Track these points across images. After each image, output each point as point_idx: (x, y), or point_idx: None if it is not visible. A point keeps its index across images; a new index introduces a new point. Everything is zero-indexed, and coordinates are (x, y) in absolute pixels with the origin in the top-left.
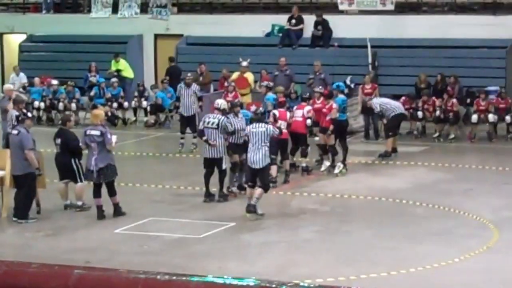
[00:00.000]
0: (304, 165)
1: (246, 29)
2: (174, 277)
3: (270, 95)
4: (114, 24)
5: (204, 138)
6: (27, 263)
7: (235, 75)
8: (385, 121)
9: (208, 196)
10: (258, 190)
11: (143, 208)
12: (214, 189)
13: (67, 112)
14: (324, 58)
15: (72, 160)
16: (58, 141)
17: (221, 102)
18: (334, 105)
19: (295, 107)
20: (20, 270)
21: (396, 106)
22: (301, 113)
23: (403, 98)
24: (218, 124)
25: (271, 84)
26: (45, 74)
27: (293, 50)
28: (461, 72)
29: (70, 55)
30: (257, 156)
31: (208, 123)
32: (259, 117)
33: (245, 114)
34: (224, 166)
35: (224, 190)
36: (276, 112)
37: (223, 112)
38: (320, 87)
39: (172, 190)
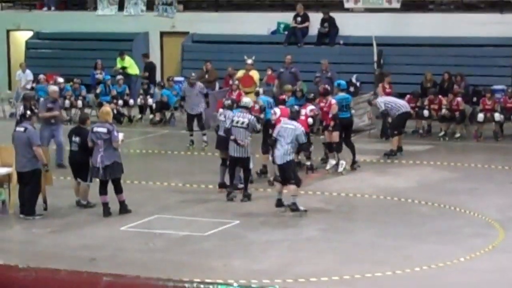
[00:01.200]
0: (308, 163)
1: (251, 27)
2: (202, 286)
3: (264, 96)
4: (120, 21)
5: (233, 137)
6: (56, 270)
7: (240, 73)
8: (390, 119)
9: (232, 187)
10: (290, 187)
11: (149, 206)
12: (209, 186)
13: (85, 110)
14: (330, 56)
15: (89, 159)
16: (77, 139)
17: (248, 100)
18: (333, 101)
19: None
20: (49, 277)
21: (401, 105)
22: (304, 112)
23: (408, 96)
24: (248, 124)
25: (261, 90)
26: (52, 71)
27: (299, 48)
28: (467, 71)
29: (76, 52)
30: (279, 152)
31: (237, 122)
32: (294, 115)
33: (264, 99)
34: (251, 166)
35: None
36: (277, 109)
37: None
38: (326, 86)
39: (178, 187)
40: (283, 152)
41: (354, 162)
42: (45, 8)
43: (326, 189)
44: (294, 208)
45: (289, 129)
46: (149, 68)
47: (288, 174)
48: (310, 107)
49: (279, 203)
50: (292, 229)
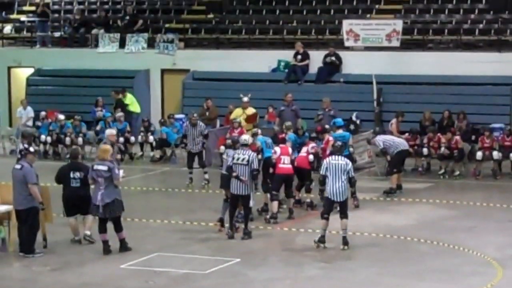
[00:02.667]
0: (308, 200)
1: (252, 64)
2: None
3: (261, 137)
4: (121, 58)
5: (235, 174)
6: None
7: (238, 111)
8: (389, 157)
9: (232, 228)
10: (343, 221)
11: (149, 244)
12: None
13: (74, 146)
14: (330, 94)
15: (90, 192)
16: (77, 175)
17: (246, 138)
18: (330, 138)
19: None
20: None
21: (399, 143)
22: (306, 149)
23: (407, 134)
24: (248, 160)
25: (259, 131)
26: (52, 108)
27: (299, 85)
28: (466, 109)
29: (77, 89)
30: (337, 188)
31: (238, 159)
32: (338, 149)
33: (261, 139)
34: (252, 203)
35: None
36: (277, 148)
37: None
38: (322, 124)
39: (178, 225)
40: (342, 187)
41: (353, 197)
42: (37, 46)
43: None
44: (346, 241)
45: (340, 165)
46: (119, 105)
47: (347, 208)
48: (312, 144)
49: (322, 240)
50: (293, 267)
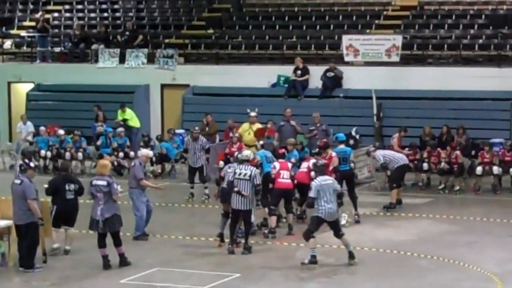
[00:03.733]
0: (298, 213)
1: (252, 79)
2: None
3: (261, 151)
4: (121, 74)
5: (236, 189)
6: None
7: (245, 126)
8: (389, 172)
9: (232, 244)
10: (343, 238)
11: (149, 258)
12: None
13: (60, 161)
14: (330, 109)
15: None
16: (72, 187)
17: (247, 153)
18: (333, 154)
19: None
20: None
21: (399, 158)
22: (306, 164)
23: (407, 149)
24: (250, 176)
25: (261, 143)
26: (52, 123)
27: (299, 101)
28: (466, 124)
29: (77, 104)
30: (329, 208)
31: (240, 174)
32: (321, 170)
33: (261, 154)
34: (253, 219)
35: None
36: (277, 163)
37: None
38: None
39: (178, 240)
40: (335, 207)
41: (355, 214)
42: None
43: (326, 242)
44: (353, 255)
45: (328, 185)
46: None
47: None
48: (312, 160)
49: (314, 260)
50: (293, 282)
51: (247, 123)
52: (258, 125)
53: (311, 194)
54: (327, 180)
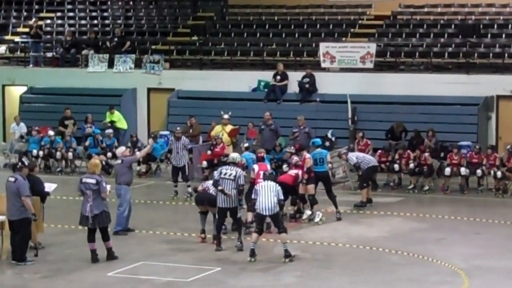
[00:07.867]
0: (292, 212)
1: (233, 84)
2: None
3: (247, 153)
4: (110, 78)
5: (220, 188)
6: None
7: (218, 128)
8: (360, 172)
9: (220, 245)
10: (282, 235)
11: (135, 253)
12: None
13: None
14: (307, 113)
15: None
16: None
17: (235, 156)
18: (307, 156)
19: (285, 165)
20: None
21: (370, 159)
22: (296, 172)
23: (380, 151)
24: (235, 176)
25: (246, 145)
26: (44, 124)
27: (278, 104)
28: (436, 127)
29: (68, 106)
30: (267, 204)
31: (225, 174)
32: (270, 177)
33: (247, 156)
34: (239, 215)
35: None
36: (255, 166)
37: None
38: (291, 147)
39: (162, 235)
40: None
41: (336, 212)
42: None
43: (302, 238)
44: (288, 254)
45: (270, 185)
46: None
47: (280, 221)
48: (295, 158)
49: (253, 253)
50: (271, 275)
51: (220, 125)
52: (230, 127)
53: (253, 196)
54: (269, 183)
